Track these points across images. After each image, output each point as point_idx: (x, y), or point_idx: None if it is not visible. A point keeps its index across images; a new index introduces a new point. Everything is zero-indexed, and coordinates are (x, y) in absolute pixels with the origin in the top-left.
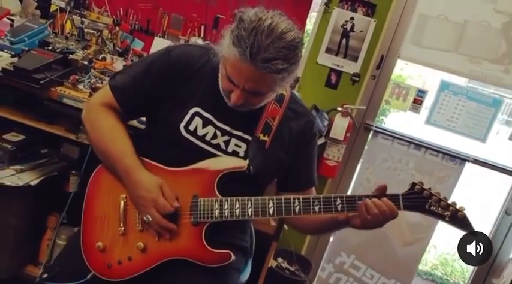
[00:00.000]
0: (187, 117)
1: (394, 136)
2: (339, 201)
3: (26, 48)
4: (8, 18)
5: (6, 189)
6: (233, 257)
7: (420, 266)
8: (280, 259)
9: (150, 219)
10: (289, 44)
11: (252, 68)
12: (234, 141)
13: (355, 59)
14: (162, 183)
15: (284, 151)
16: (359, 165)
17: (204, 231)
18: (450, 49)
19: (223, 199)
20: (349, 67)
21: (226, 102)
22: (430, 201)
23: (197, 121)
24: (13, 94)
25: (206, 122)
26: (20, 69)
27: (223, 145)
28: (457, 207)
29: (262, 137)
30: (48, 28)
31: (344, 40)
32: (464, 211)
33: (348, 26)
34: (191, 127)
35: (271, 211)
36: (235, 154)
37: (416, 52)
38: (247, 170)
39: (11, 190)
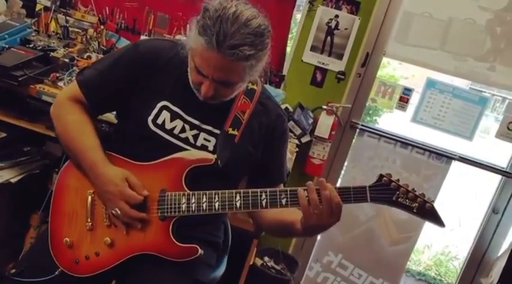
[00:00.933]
0: (155, 111)
1: (381, 135)
2: (306, 193)
3: (7, 46)
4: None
5: None
6: (200, 251)
7: (413, 267)
8: (266, 258)
9: (119, 212)
10: (255, 31)
11: (219, 56)
12: (203, 135)
13: (340, 56)
14: (128, 174)
15: (254, 145)
16: (345, 164)
17: (171, 225)
18: (435, 46)
19: (191, 193)
20: (335, 65)
21: (197, 95)
22: (397, 192)
23: (165, 114)
24: None
25: (174, 116)
26: None
27: (191, 139)
28: (425, 198)
29: (231, 131)
30: (33, 27)
31: (329, 38)
32: (433, 203)
33: (333, 24)
34: (159, 121)
35: (238, 204)
36: (204, 148)
37: (402, 49)
38: (215, 164)
39: None
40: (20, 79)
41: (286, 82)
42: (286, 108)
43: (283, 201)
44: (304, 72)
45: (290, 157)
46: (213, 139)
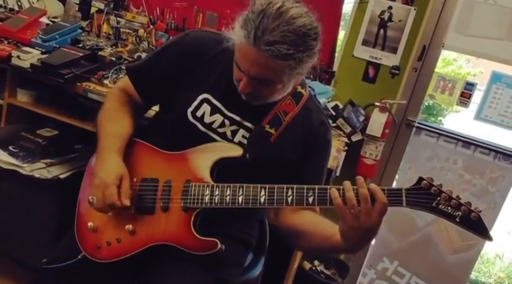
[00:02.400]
0: (195, 103)
1: (440, 133)
2: (341, 192)
3: (57, 46)
4: (51, 21)
5: (36, 182)
6: (220, 246)
7: (483, 279)
8: (316, 262)
9: (94, 201)
10: (298, 30)
11: (255, 51)
12: (241, 132)
13: (394, 50)
14: (126, 176)
15: (291, 150)
16: (401, 165)
17: (193, 217)
18: (501, 36)
19: (215, 185)
20: (388, 59)
21: (239, 90)
22: (438, 198)
23: (205, 108)
24: (50, 92)
25: (214, 110)
26: (46, 65)
27: (229, 135)
28: (472, 207)
29: (268, 128)
30: (87, 29)
31: (382, 31)
32: (479, 213)
33: (386, 16)
34: (198, 113)
35: (262, 199)
36: (241, 145)
37: (462, 41)
38: (243, 157)
39: (41, 183)
40: (66, 77)
41: (336, 79)
42: (336, 105)
43: (310, 199)
44: (356, 67)
45: (336, 155)
46: None
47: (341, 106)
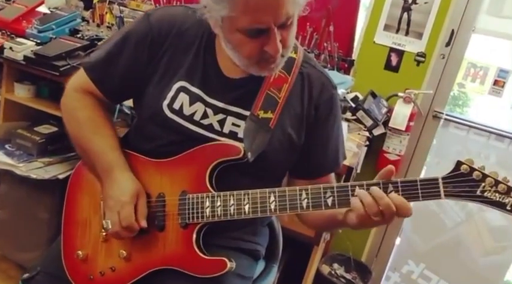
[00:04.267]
0: (170, 93)
1: (470, 126)
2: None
3: (54, 36)
4: (51, 11)
5: (35, 182)
6: (229, 265)
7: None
8: (336, 265)
9: (110, 226)
10: None
11: None
12: (230, 119)
13: (419, 36)
14: (142, 194)
15: (295, 129)
16: (427, 160)
17: (194, 234)
18: None
19: (216, 194)
20: (413, 46)
21: (256, 71)
22: (483, 184)
23: (183, 97)
24: (49, 87)
25: (194, 98)
26: (40, 56)
27: (217, 126)
28: None
29: (263, 114)
30: (90, 19)
31: (405, 15)
32: None
33: None
34: (176, 106)
35: (272, 206)
36: (232, 135)
37: (496, 24)
38: (243, 157)
39: (39, 183)
40: (61, 69)
41: (356, 68)
42: (356, 97)
43: (329, 201)
44: (377, 55)
45: (357, 151)
46: (243, 124)
47: (361, 97)
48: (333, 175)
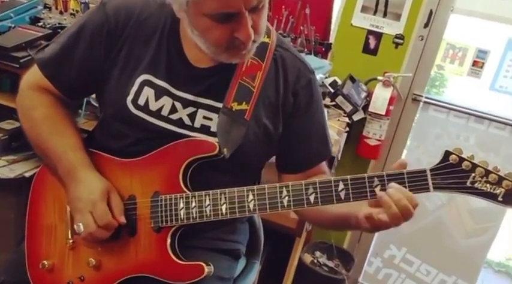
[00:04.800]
0: (134, 88)
1: (450, 108)
2: (341, 186)
3: (13, 25)
4: None
5: None
6: (207, 270)
7: (491, 257)
8: (318, 253)
9: (82, 230)
10: None
11: None
12: (201, 112)
13: (397, 17)
14: (112, 189)
15: (270, 119)
16: (408, 144)
17: (168, 238)
18: None
19: (190, 195)
20: (391, 27)
21: (227, 59)
22: (473, 174)
23: (148, 92)
24: (10, 79)
25: (160, 92)
26: None
27: (187, 120)
28: None
29: (237, 106)
30: (52, 5)
31: None
32: None
33: None
34: (140, 101)
35: (251, 206)
36: (205, 130)
37: (474, 3)
38: (219, 153)
39: (4, 182)
40: (22, 61)
41: (333, 52)
42: (334, 81)
43: (312, 198)
44: (355, 38)
45: (338, 139)
46: (215, 116)
47: (340, 82)
48: (324, 164)
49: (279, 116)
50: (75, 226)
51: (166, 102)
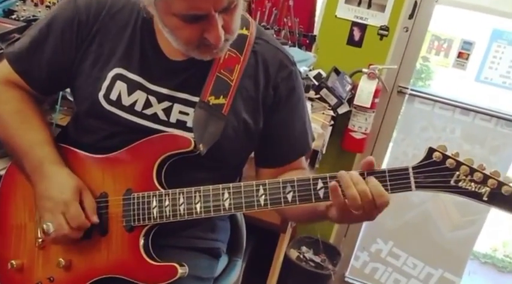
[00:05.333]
0: (106, 83)
1: (435, 100)
2: (320, 185)
3: None
4: None
5: None
6: (180, 271)
7: (478, 248)
8: (304, 248)
9: (51, 229)
10: None
11: None
12: (177, 107)
13: (382, 8)
14: (84, 187)
15: (250, 113)
16: (393, 137)
17: (141, 238)
18: None
19: (163, 192)
20: (375, 19)
21: (198, 56)
22: (457, 173)
23: (120, 86)
24: None
25: (133, 86)
26: None
27: (162, 115)
28: (501, 179)
29: (214, 100)
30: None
31: None
32: None
33: None
34: (113, 96)
35: (226, 205)
36: (181, 125)
37: None
38: (195, 149)
39: None
40: None
41: (317, 44)
42: (319, 74)
43: (289, 197)
44: (339, 30)
45: (322, 132)
46: (192, 111)
47: (324, 74)
48: (303, 159)
49: (259, 110)
50: (44, 226)
51: (139, 96)
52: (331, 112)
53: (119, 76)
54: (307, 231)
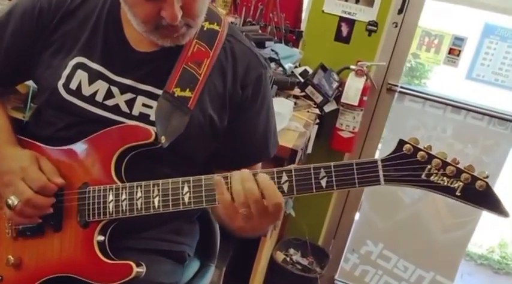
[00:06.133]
0: (66, 71)
1: (426, 98)
2: (285, 178)
3: None
4: None
5: None
6: (135, 270)
7: (474, 249)
8: (292, 250)
9: (15, 201)
10: None
11: None
12: (141, 99)
13: (370, 3)
14: (40, 156)
15: (216, 111)
16: (383, 136)
17: (96, 234)
18: None
19: (120, 186)
20: (364, 14)
21: (157, 39)
22: (428, 166)
23: (81, 75)
24: None
25: (94, 76)
26: None
27: (124, 107)
28: (476, 173)
29: (179, 92)
30: None
31: None
32: (486, 180)
33: None
34: (73, 85)
35: (186, 199)
36: (144, 118)
37: None
38: (156, 142)
39: None
40: None
41: (304, 40)
42: (305, 71)
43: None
44: (327, 25)
45: (303, 131)
46: (156, 104)
47: (311, 71)
48: (259, 165)
49: (225, 108)
50: (8, 201)
51: (100, 86)
52: (317, 111)
53: (80, 65)
54: (295, 233)
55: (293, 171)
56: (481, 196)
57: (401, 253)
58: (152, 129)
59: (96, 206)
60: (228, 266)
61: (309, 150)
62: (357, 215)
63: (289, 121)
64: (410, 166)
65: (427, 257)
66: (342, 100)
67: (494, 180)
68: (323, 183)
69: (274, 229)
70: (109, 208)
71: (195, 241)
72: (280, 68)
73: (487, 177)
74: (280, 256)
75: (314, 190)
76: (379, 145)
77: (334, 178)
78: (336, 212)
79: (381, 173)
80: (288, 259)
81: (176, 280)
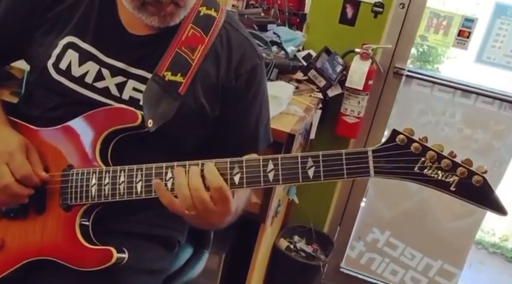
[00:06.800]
0: (57, 50)
1: (434, 82)
2: (271, 166)
3: None
4: None
5: None
6: (116, 255)
7: (486, 238)
8: (296, 237)
9: None
10: None
11: None
12: (131, 83)
13: None
14: (29, 145)
15: (208, 99)
16: (389, 121)
17: (77, 218)
18: None
19: (104, 169)
20: None
21: (146, 18)
22: (422, 159)
23: (71, 55)
24: None
25: (85, 56)
26: None
27: (114, 90)
28: (472, 167)
29: (170, 76)
30: None
31: None
32: (483, 175)
33: None
34: (62, 65)
35: (169, 185)
36: (133, 102)
37: None
38: (142, 125)
39: None
40: None
41: (308, 23)
42: (309, 54)
43: (237, 178)
44: (331, 7)
45: (303, 115)
46: None
47: (315, 55)
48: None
49: (218, 97)
50: None
51: (91, 68)
52: (320, 95)
53: (71, 45)
54: (300, 220)
55: (279, 159)
56: (477, 192)
57: (408, 241)
58: (139, 113)
59: (78, 189)
60: (228, 253)
61: (312, 136)
62: (363, 203)
63: (289, 105)
64: (402, 158)
65: (434, 245)
66: (347, 84)
67: (505, 166)
68: (310, 173)
69: (276, 216)
70: (91, 192)
71: (186, 227)
72: (282, 51)
73: (485, 172)
74: (283, 244)
75: (300, 180)
76: (385, 132)
77: (322, 168)
78: (342, 199)
79: (371, 164)
80: (292, 246)
81: (165, 267)
